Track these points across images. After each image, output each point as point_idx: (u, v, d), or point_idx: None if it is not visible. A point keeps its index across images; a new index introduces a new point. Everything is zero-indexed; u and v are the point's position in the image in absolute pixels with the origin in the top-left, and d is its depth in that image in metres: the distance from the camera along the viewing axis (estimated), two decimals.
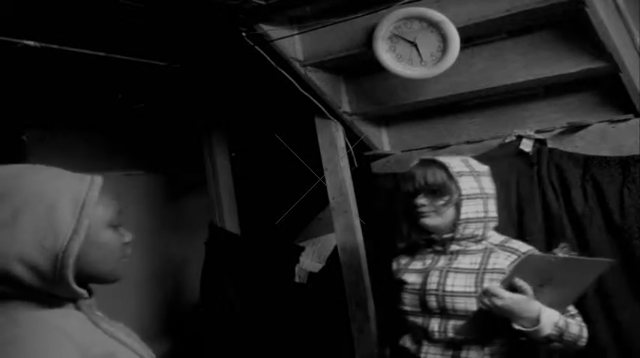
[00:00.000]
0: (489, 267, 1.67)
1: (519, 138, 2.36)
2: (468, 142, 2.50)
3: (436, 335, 1.68)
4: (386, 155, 2.74)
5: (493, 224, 1.74)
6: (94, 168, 3.36)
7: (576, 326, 1.57)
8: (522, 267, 1.52)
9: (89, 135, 3.40)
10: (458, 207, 1.68)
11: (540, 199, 2.29)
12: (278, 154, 3.21)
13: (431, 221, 1.71)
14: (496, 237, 1.76)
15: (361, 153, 2.77)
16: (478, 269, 1.68)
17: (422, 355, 1.70)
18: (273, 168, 3.45)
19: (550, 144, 2.31)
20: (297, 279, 3.30)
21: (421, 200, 1.71)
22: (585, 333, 1.59)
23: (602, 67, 2.08)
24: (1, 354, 0.94)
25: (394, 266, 1.89)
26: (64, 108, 3.09)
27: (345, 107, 2.60)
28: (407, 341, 1.77)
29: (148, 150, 3.73)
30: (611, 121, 2.21)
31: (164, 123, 3.55)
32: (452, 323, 1.66)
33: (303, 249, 3.37)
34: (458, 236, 1.70)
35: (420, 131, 2.67)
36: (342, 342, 2.81)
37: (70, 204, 1.02)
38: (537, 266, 1.53)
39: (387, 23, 2.10)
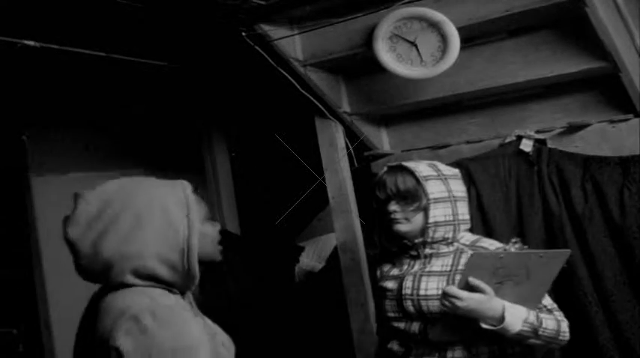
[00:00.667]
0: (460, 267, 1.68)
1: (519, 138, 2.35)
2: (467, 142, 2.50)
3: (419, 338, 1.69)
4: (386, 155, 2.74)
5: (464, 226, 1.75)
6: (93, 167, 3.38)
7: (552, 321, 1.57)
8: (473, 266, 1.53)
9: (89, 135, 3.40)
10: (426, 211, 1.69)
11: (540, 199, 2.29)
12: (278, 154, 3.21)
13: (403, 227, 1.72)
14: (467, 237, 1.76)
15: (361, 153, 2.77)
16: (449, 271, 1.69)
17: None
18: (273, 168, 3.45)
19: (550, 144, 2.31)
20: (297, 279, 3.30)
21: (393, 206, 1.72)
22: (564, 327, 1.59)
23: (602, 67, 2.08)
24: (162, 315, 1.13)
25: (377, 273, 1.91)
26: (64, 109, 3.09)
27: (345, 107, 2.60)
28: (394, 345, 1.79)
29: (147, 149, 3.73)
30: (611, 121, 2.21)
31: (164, 123, 3.55)
32: (432, 325, 1.67)
33: (303, 249, 3.37)
34: (429, 240, 1.71)
35: (420, 131, 2.67)
36: (342, 342, 2.80)
37: (177, 206, 1.23)
38: (489, 263, 1.53)
39: (387, 23, 2.10)
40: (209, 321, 1.35)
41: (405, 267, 1.79)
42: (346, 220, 2.71)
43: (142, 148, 3.72)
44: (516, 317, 1.52)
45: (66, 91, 2.92)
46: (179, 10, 2.03)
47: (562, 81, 2.24)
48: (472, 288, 1.53)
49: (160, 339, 1.10)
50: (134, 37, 2.27)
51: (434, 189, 1.70)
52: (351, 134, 2.71)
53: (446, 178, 1.74)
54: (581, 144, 2.26)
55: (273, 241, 3.42)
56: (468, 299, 1.50)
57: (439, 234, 1.70)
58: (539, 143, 2.32)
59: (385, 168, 1.80)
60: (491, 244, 1.73)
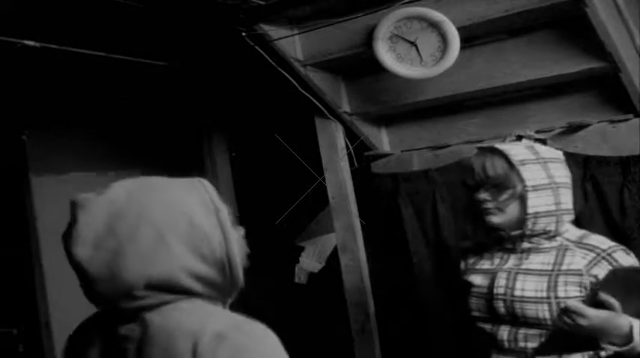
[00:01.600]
0: (564, 267, 1.50)
1: (519, 138, 2.35)
2: (467, 142, 2.50)
3: (505, 345, 1.54)
4: (386, 155, 2.74)
5: (568, 217, 1.56)
6: (93, 167, 3.37)
7: None
8: (609, 282, 1.37)
9: (89, 135, 3.40)
10: (523, 200, 1.50)
11: None
12: (278, 154, 3.21)
13: (495, 218, 1.54)
14: (573, 232, 1.57)
15: (361, 153, 2.77)
16: (551, 270, 1.51)
17: None
18: (273, 168, 3.45)
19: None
20: (297, 279, 3.30)
21: (483, 195, 1.55)
22: None
23: (602, 67, 2.08)
24: (247, 329, 0.98)
25: (462, 265, 1.74)
26: (64, 108, 3.09)
27: (345, 107, 2.60)
28: (475, 348, 1.64)
29: (147, 149, 3.72)
30: (611, 121, 2.21)
31: (164, 123, 3.55)
32: (522, 331, 1.52)
33: (303, 249, 3.37)
34: (528, 232, 1.52)
35: (420, 131, 2.67)
36: (342, 342, 2.80)
37: (204, 209, 1.03)
38: (626, 278, 1.38)
39: (387, 23, 2.10)
40: None
41: (498, 261, 1.61)
42: (346, 220, 2.71)
43: (142, 148, 3.72)
44: None
45: (66, 91, 2.91)
46: (179, 10, 2.03)
47: (562, 81, 2.24)
48: (599, 304, 1.35)
49: (258, 354, 0.94)
50: (134, 37, 2.27)
51: (532, 174, 1.50)
52: (351, 134, 2.71)
53: (545, 162, 1.54)
54: (581, 144, 2.26)
55: (273, 241, 3.41)
56: (594, 318, 1.32)
57: (540, 226, 1.51)
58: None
59: (475, 151, 1.63)
60: (601, 243, 1.53)
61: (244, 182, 3.62)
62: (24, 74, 2.51)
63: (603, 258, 1.51)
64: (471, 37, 2.21)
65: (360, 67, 2.45)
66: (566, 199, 1.54)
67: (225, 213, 1.05)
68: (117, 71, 2.50)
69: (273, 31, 2.20)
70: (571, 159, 2.25)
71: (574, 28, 2.07)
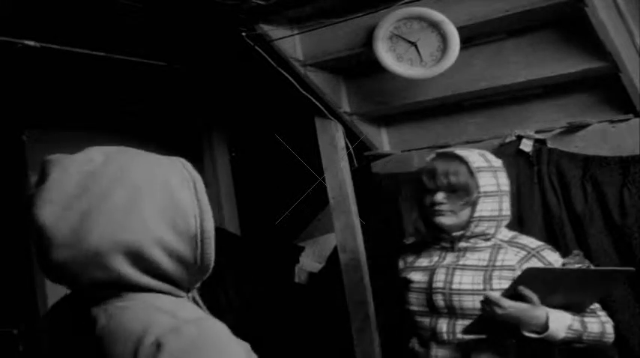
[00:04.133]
0: (498, 263, 1.62)
1: (519, 138, 2.35)
2: (467, 142, 2.50)
3: (444, 337, 1.63)
4: (386, 155, 2.74)
5: (505, 222, 1.68)
6: None
7: (596, 324, 1.52)
8: (524, 279, 1.48)
9: (89, 135, 3.40)
10: (474, 204, 1.61)
11: (540, 199, 2.29)
12: (278, 154, 3.21)
13: (447, 220, 1.63)
14: (505, 233, 1.69)
15: (361, 153, 2.77)
16: (486, 266, 1.62)
17: None
18: (273, 168, 3.45)
19: (550, 144, 2.31)
20: (297, 279, 3.30)
21: (441, 198, 1.63)
22: (609, 329, 1.54)
23: (602, 67, 2.08)
24: (190, 334, 0.85)
25: (400, 264, 1.83)
26: (64, 108, 3.09)
27: (345, 107, 2.60)
28: (415, 344, 1.72)
29: (147, 149, 3.72)
30: (611, 121, 2.21)
31: (164, 123, 3.55)
32: (460, 323, 1.61)
33: (303, 249, 3.37)
34: (469, 233, 1.64)
35: (420, 131, 2.67)
36: (342, 342, 2.80)
37: (183, 184, 0.94)
38: (541, 278, 1.48)
39: (387, 23, 2.10)
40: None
41: (436, 258, 1.71)
42: (346, 220, 2.71)
43: (142, 148, 3.72)
44: (561, 324, 1.47)
45: (66, 91, 2.91)
46: (179, 10, 2.03)
47: (562, 81, 2.24)
48: (519, 296, 1.48)
49: None
50: (134, 37, 2.27)
51: (485, 181, 1.61)
52: (351, 134, 2.71)
53: (495, 170, 1.65)
54: (581, 144, 2.26)
55: (273, 241, 3.42)
56: (509, 308, 1.45)
57: (481, 228, 1.63)
58: (539, 143, 2.32)
59: (434, 155, 1.70)
60: (530, 242, 1.66)
61: (244, 182, 3.62)
62: (24, 74, 2.51)
63: (533, 255, 1.63)
64: (470, 37, 2.21)
65: (360, 67, 2.45)
66: (507, 206, 1.66)
67: (204, 191, 0.97)
68: (117, 71, 2.50)
69: (273, 31, 2.20)
70: (571, 159, 2.25)
71: (574, 28, 2.07)
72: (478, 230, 1.63)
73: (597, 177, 2.19)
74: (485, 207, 1.61)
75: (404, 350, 1.77)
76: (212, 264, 0.97)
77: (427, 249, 1.76)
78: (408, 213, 2.64)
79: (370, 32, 2.15)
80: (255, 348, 0.99)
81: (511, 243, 1.66)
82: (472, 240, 1.66)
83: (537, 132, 2.33)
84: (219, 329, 0.89)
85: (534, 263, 1.61)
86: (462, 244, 1.67)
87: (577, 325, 1.49)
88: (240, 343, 0.92)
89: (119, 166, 0.91)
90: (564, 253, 1.97)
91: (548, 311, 1.47)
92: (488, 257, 1.64)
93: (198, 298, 1.06)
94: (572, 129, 2.28)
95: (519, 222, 2.33)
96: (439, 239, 1.71)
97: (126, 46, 2.31)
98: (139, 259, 0.89)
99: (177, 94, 3.20)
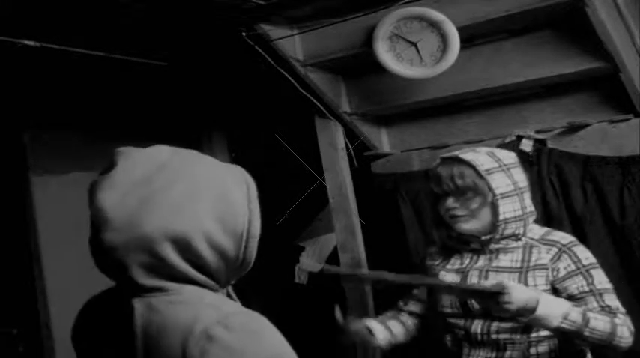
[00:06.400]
0: (532, 264, 1.59)
1: (519, 138, 2.35)
2: (467, 142, 2.50)
3: (479, 337, 1.61)
4: (386, 155, 2.74)
5: (532, 218, 1.64)
6: (93, 167, 3.37)
7: (603, 323, 1.47)
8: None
9: (89, 135, 3.40)
10: (494, 207, 1.57)
11: (540, 199, 2.29)
12: (278, 154, 3.21)
13: (467, 225, 1.61)
14: (536, 231, 1.66)
15: (361, 153, 2.77)
16: (520, 267, 1.60)
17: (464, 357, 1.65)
18: (273, 168, 3.45)
19: (550, 144, 2.31)
20: (297, 279, 3.30)
21: (452, 203, 1.61)
22: (624, 332, 1.48)
23: (602, 67, 2.08)
24: (235, 324, 0.90)
25: (428, 262, 1.81)
26: (64, 109, 3.09)
27: (345, 107, 2.60)
28: (448, 341, 1.70)
29: None
30: (611, 121, 2.21)
31: (164, 123, 3.55)
32: (495, 324, 1.59)
33: (303, 249, 3.37)
34: (498, 236, 1.61)
35: (420, 131, 2.67)
36: (341, 342, 2.80)
37: (238, 187, 1.01)
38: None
39: (387, 23, 2.10)
40: None
41: (468, 261, 1.69)
42: (346, 220, 2.71)
43: (142, 148, 3.72)
44: (554, 310, 1.44)
45: (66, 91, 2.91)
46: (179, 10, 2.03)
47: (562, 81, 2.24)
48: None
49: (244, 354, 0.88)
50: (134, 37, 2.27)
51: (499, 183, 1.58)
52: (351, 134, 2.71)
53: (508, 168, 1.61)
54: (581, 144, 2.26)
55: (273, 241, 3.42)
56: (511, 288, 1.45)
57: (509, 230, 1.60)
58: (539, 143, 2.32)
59: (438, 160, 1.69)
60: (562, 238, 1.63)
61: None
62: (24, 74, 2.51)
63: (564, 251, 1.61)
64: (471, 37, 2.21)
65: (360, 67, 2.45)
66: (529, 202, 1.64)
67: (256, 195, 1.03)
68: (117, 71, 2.50)
69: (273, 31, 2.20)
70: (571, 159, 2.25)
71: (574, 28, 2.07)
72: (507, 232, 1.60)
73: (597, 177, 2.19)
74: (508, 209, 1.58)
75: (436, 347, 1.75)
76: (252, 263, 1.03)
77: (458, 252, 1.73)
78: (407, 212, 2.64)
79: (370, 32, 2.15)
80: None
81: (542, 240, 1.63)
82: (503, 242, 1.63)
83: (537, 132, 2.33)
84: (263, 321, 0.94)
85: (565, 259, 1.59)
86: (493, 246, 1.64)
87: (575, 316, 1.45)
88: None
89: (184, 162, 0.99)
90: None
91: (542, 295, 1.46)
92: (521, 257, 1.61)
93: (232, 293, 1.11)
94: (572, 129, 2.28)
95: None
96: (468, 242, 1.68)
97: (126, 46, 2.31)
98: (186, 249, 0.93)
99: (177, 94, 3.20)
